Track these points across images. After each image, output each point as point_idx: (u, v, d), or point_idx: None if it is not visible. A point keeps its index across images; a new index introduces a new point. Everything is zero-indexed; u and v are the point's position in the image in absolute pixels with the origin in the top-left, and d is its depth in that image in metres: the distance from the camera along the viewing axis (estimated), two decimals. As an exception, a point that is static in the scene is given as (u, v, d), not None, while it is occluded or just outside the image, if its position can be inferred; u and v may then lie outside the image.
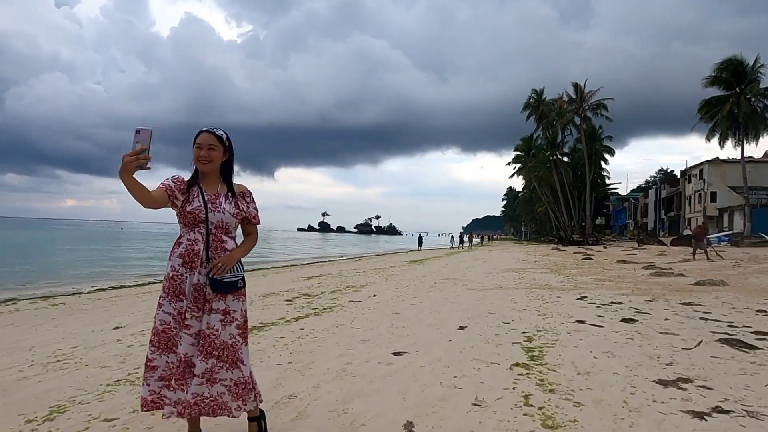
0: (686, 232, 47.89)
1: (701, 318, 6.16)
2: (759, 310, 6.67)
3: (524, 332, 5.42)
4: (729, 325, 5.66)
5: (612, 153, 58.31)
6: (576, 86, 49.88)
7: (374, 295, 9.12)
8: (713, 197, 47.14)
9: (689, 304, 7.35)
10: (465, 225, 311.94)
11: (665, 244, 34.93)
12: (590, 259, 21.22)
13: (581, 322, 5.98)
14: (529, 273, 13.94)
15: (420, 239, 47.96)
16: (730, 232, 38.13)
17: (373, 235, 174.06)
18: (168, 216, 2.54)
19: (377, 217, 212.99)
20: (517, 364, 4.08)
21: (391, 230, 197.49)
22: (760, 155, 50.16)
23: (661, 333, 5.28)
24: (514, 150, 62.44)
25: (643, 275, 12.36)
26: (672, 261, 18.14)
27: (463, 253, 34.75)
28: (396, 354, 4.54)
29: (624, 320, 6.04)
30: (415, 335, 5.39)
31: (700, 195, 49.37)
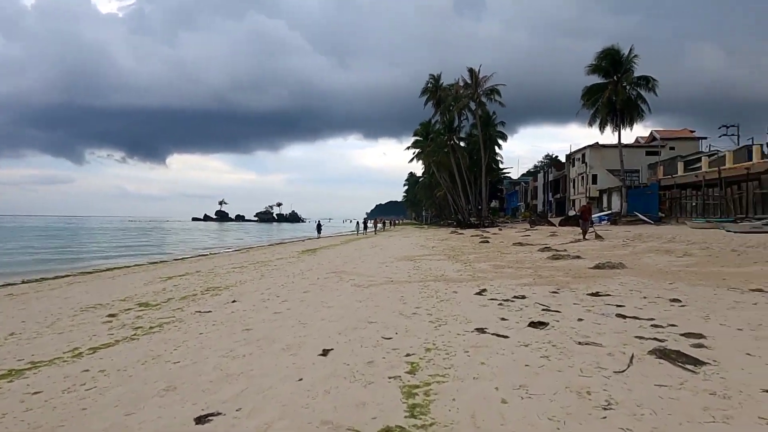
0: (571, 212, 50.97)
1: (618, 315, 5.13)
2: (672, 300, 5.84)
3: (408, 355, 3.95)
4: (653, 326, 4.63)
5: (505, 138, 60.37)
6: (471, 71, 50.55)
7: (234, 301, 7.25)
8: (594, 179, 50.42)
9: (597, 294, 6.41)
10: (369, 211, 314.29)
11: (554, 225, 36.43)
12: (487, 242, 20.86)
13: (482, 330, 4.65)
14: (425, 261, 12.79)
15: (319, 226, 46.02)
16: (610, 211, 40.82)
17: (274, 223, 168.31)
18: None
19: (279, 205, 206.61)
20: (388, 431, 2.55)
21: (294, 218, 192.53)
22: (633, 141, 54.57)
23: (580, 344, 4.07)
24: (414, 135, 62.49)
25: (541, 259, 11.70)
26: (564, 242, 18.15)
27: (362, 239, 33.55)
28: (201, 420, 2.81)
29: (532, 324, 4.82)
30: (252, 373, 3.69)
31: (582, 177, 52.66)
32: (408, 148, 62.17)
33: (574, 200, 55.40)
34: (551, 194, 64.89)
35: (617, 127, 39.40)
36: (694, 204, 33.66)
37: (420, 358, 3.83)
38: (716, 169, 29.71)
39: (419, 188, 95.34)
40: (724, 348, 3.79)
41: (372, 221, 60.05)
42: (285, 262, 15.08)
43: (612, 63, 38.93)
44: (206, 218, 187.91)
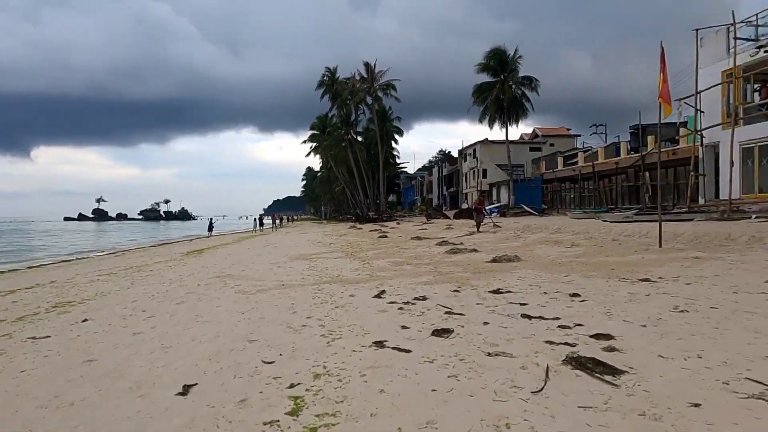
0: (464, 205, 53.14)
1: (523, 315, 4.81)
2: (572, 295, 5.70)
3: (292, 386, 3.21)
4: (560, 326, 4.33)
5: (401, 133, 61.38)
6: (367, 66, 50.52)
7: (85, 320, 5.97)
8: (485, 174, 52.90)
9: (499, 292, 6.13)
10: (266, 207, 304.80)
11: (450, 218, 37.52)
12: (386, 237, 20.61)
13: (381, 344, 4.04)
14: (322, 260, 12.05)
15: (210, 224, 43.21)
16: (499, 204, 42.98)
17: (162, 221, 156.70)
18: None
19: (167, 202, 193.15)
20: None
21: (184, 215, 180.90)
22: (518, 137, 58.10)
23: (490, 355, 3.61)
24: (310, 129, 61.25)
25: (440, 254, 11.50)
26: (460, 235, 18.41)
27: (257, 237, 31.91)
28: None
29: (436, 332, 4.31)
30: (75, 432, 2.72)
31: (474, 172, 55.04)
32: (305, 142, 60.88)
33: (466, 193, 57.80)
34: (446, 188, 67.18)
35: (505, 124, 41.57)
36: (572, 196, 36.49)
37: (306, 390, 3.11)
38: (591, 163, 32.35)
39: (317, 183, 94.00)
40: (635, 351, 3.54)
41: (269, 217, 57.81)
42: (164, 266, 13.48)
43: (499, 62, 40.87)
44: (81, 218, 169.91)
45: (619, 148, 31.46)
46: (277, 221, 53.72)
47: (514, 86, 40.93)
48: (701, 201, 19.43)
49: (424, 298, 5.95)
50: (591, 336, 3.95)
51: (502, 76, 40.86)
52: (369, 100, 52.18)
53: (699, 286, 5.77)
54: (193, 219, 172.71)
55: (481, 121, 43.48)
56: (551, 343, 3.83)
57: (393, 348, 3.92)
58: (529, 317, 4.72)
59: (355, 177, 54.41)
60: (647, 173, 27.60)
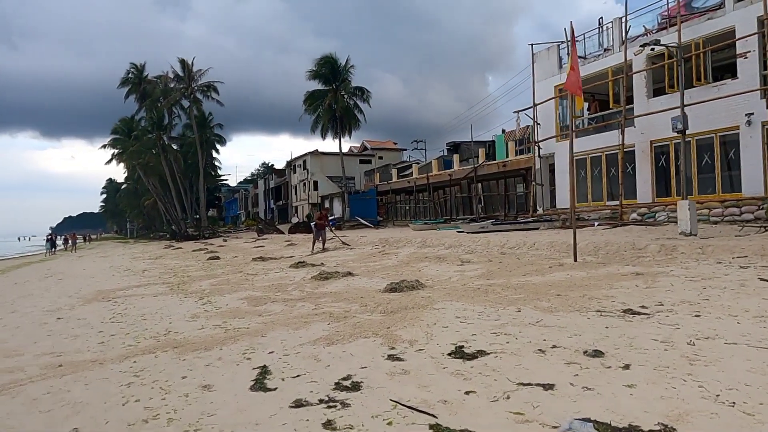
0: (294, 219, 50.40)
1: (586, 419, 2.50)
2: (591, 354, 3.64)
3: None
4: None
5: (223, 142, 56.27)
6: (183, 63, 44.63)
7: None
8: (316, 186, 50.94)
9: (465, 354, 3.79)
10: (54, 225, 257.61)
11: (284, 233, 34.47)
12: (218, 258, 16.89)
13: None
14: (134, 300, 8.28)
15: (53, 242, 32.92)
16: (333, 216, 41.35)
17: None
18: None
19: None
20: None
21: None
22: (347, 149, 57.68)
23: None
24: (112, 132, 51.93)
25: (307, 281, 8.77)
26: (308, 253, 15.83)
27: (37, 264, 24.57)
28: None
29: None
30: None
31: (305, 184, 52.69)
32: (104, 146, 51.31)
33: (296, 207, 55.16)
34: (273, 201, 63.55)
35: (338, 134, 40.24)
36: (407, 208, 36.59)
37: None
38: (425, 175, 32.65)
39: (122, 196, 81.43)
40: None
41: (63, 237, 47.07)
42: None
43: (331, 71, 39.49)
44: None
45: (452, 161, 32.32)
46: (70, 242, 43.59)
47: (346, 96, 39.94)
48: (540, 210, 20.09)
49: (353, 386, 3.27)
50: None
51: (334, 85, 39.55)
52: (186, 103, 46.19)
53: (708, 317, 4.24)
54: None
55: (313, 130, 41.56)
56: None
57: None
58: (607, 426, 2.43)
59: (170, 189, 47.52)
60: (479, 185, 28.64)
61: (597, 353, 3.52)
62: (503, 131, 34.28)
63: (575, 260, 8.13)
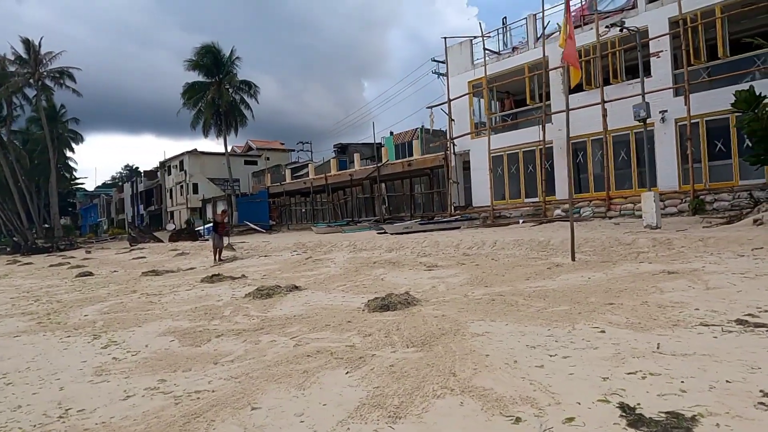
0: (171, 225, 45.26)
1: None
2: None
3: None
4: None
5: (80, 140, 48.98)
6: (28, 43, 37.51)
7: None
8: (195, 188, 46.26)
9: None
10: None
11: (163, 240, 30.26)
12: (90, 274, 13.49)
13: None
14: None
15: None
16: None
17: None
18: None
19: None
20: None
21: None
22: (230, 149, 53.48)
23: None
24: (-75, 124, 42.01)
25: (242, 299, 6.69)
26: (210, 263, 13.35)
27: None
28: None
29: None
30: None
31: (182, 187, 47.64)
32: None
33: (172, 212, 49.72)
34: (143, 206, 56.79)
35: (222, 132, 36.75)
36: (303, 210, 34.41)
37: None
38: (323, 175, 30.83)
39: (-58, 204, 67.10)
40: None
41: None
42: None
43: (214, 62, 35.94)
44: None
45: (353, 160, 30.95)
46: None
47: (231, 90, 36.63)
48: (451, 209, 19.52)
49: None
50: None
51: (217, 78, 36.04)
52: (31, 92, 38.94)
53: None
54: None
55: (193, 126, 37.61)
56: None
57: None
58: None
59: (12, 193, 39.62)
60: (383, 185, 27.63)
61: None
62: (391, 133, 33.93)
63: (573, 260, 7.16)
